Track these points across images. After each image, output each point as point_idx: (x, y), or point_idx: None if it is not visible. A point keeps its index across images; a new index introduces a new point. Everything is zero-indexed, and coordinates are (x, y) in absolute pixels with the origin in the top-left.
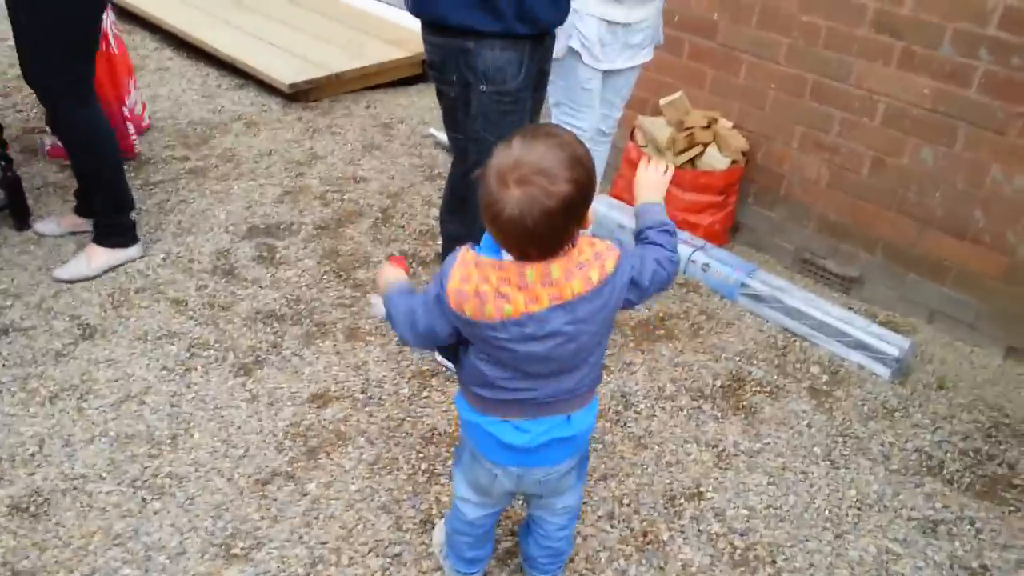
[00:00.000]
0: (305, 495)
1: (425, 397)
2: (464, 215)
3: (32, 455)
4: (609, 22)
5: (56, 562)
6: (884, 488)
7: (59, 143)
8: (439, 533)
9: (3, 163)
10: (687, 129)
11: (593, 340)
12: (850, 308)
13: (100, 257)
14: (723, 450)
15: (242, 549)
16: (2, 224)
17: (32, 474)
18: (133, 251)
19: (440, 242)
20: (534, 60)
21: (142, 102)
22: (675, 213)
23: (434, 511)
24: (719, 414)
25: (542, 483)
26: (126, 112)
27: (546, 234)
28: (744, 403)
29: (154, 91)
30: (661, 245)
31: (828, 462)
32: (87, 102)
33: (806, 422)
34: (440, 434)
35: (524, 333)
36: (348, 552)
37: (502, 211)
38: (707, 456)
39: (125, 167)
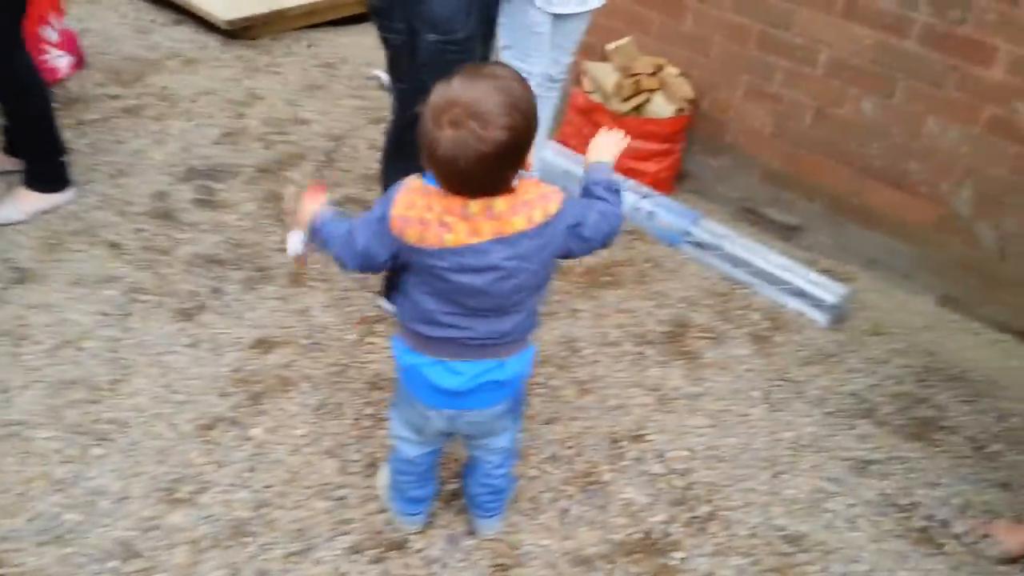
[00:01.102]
0: (249, 440)
1: (370, 343)
2: (407, 165)
3: None
4: None
5: None
6: (819, 430)
7: None
8: (383, 476)
9: None
10: (634, 75)
11: (531, 281)
12: (791, 256)
13: (31, 202)
14: (665, 394)
15: (186, 493)
16: None
17: None
18: (65, 196)
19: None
20: (483, 6)
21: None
22: (621, 160)
23: (379, 455)
24: (662, 359)
25: (474, 424)
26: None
27: (480, 177)
28: (686, 348)
29: (84, 25)
30: (606, 200)
31: (766, 405)
32: (18, 45)
33: (746, 367)
34: (385, 379)
35: (462, 263)
36: (293, 495)
37: (436, 150)
38: (649, 400)
39: (56, 106)
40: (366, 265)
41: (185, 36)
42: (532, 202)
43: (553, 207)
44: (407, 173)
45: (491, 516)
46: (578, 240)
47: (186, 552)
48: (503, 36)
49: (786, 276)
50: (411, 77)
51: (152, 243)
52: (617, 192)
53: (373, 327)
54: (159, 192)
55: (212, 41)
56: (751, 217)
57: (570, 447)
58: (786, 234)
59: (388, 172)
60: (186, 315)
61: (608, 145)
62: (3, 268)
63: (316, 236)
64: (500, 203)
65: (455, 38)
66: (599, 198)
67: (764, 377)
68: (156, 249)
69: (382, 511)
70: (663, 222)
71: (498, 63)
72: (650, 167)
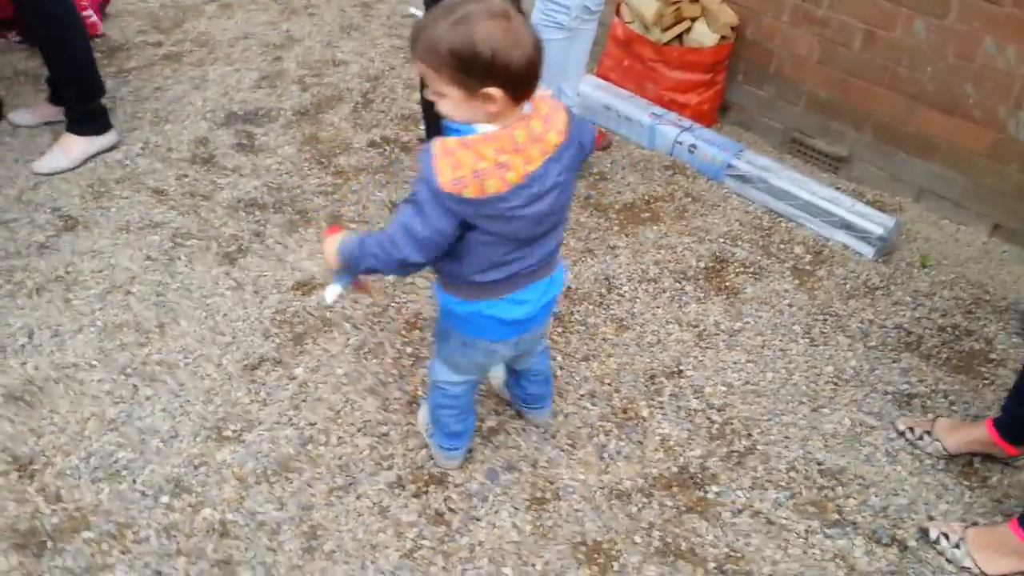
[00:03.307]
0: (293, 379)
1: (409, 283)
2: None
3: (22, 346)
4: None
5: (53, 447)
6: (861, 364)
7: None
8: (423, 414)
9: None
10: (674, 3)
11: (571, 190)
12: (838, 188)
13: (76, 147)
14: (704, 330)
15: (233, 431)
16: None
17: (24, 364)
18: (108, 138)
19: (423, 127)
20: None
21: None
22: (662, 92)
23: (420, 392)
24: (701, 295)
25: (534, 338)
26: None
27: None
28: (727, 284)
29: None
30: None
31: (807, 339)
32: None
33: (787, 301)
34: (424, 319)
35: (531, 194)
36: (337, 432)
37: (516, 47)
38: (688, 336)
39: (96, 53)
40: (438, 246)
41: None
42: (551, 115)
43: (563, 112)
44: None
45: (545, 407)
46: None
47: (234, 487)
48: None
49: (831, 208)
50: None
51: (195, 188)
52: None
53: None
54: (200, 138)
55: None
56: (797, 148)
57: (608, 383)
58: (833, 165)
59: (430, 111)
60: (229, 259)
61: None
62: (52, 216)
63: (355, 264)
64: (536, 123)
65: None
66: None
67: (806, 311)
68: (199, 194)
69: (423, 447)
70: (705, 155)
71: None
72: (692, 99)
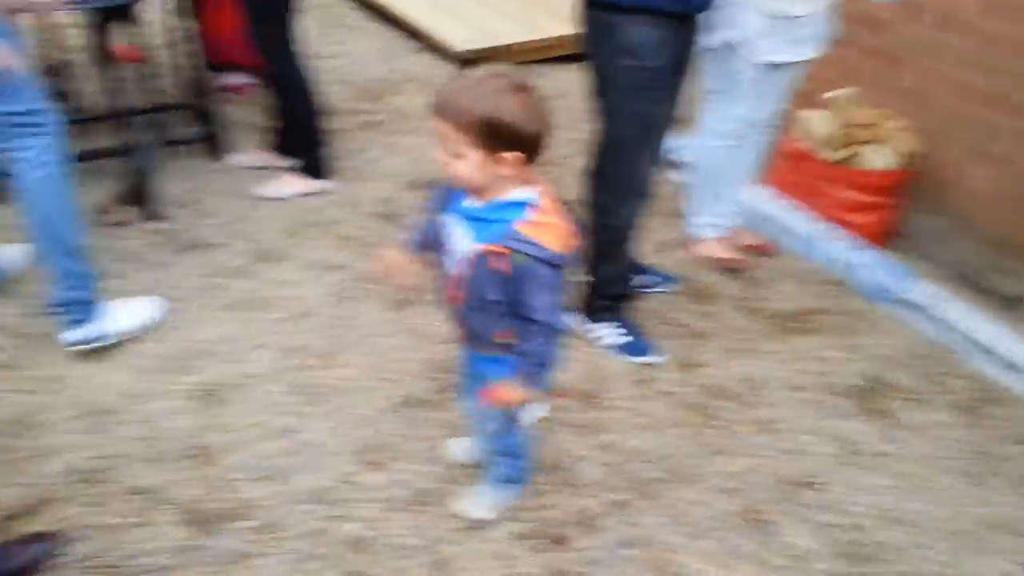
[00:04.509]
0: (442, 423)
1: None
2: (602, 181)
3: (213, 353)
4: (773, 15)
5: (228, 444)
6: (1017, 513)
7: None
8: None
9: (203, 100)
10: (850, 126)
11: None
12: (1009, 327)
13: (297, 184)
14: (848, 447)
15: (381, 459)
16: (200, 154)
17: (211, 368)
18: (324, 183)
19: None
20: (678, 42)
21: None
22: (828, 209)
23: (547, 451)
24: (851, 412)
25: None
26: None
27: None
28: (878, 406)
29: (341, 47)
30: None
31: (959, 476)
32: (289, 55)
33: (942, 434)
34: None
35: None
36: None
37: (535, 120)
38: (828, 449)
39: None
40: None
41: (424, 63)
42: None
43: None
44: (606, 191)
45: None
46: None
47: (376, 508)
48: (708, 81)
49: (999, 348)
50: (608, 100)
51: (376, 239)
52: None
53: None
54: (385, 197)
55: (446, 69)
56: (966, 282)
57: (737, 480)
58: (1006, 304)
59: (589, 190)
60: (398, 306)
61: None
62: (250, 246)
63: (543, 376)
64: None
65: (647, 65)
66: None
67: (960, 448)
68: (378, 245)
69: (554, 505)
70: (868, 275)
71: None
72: (858, 219)
